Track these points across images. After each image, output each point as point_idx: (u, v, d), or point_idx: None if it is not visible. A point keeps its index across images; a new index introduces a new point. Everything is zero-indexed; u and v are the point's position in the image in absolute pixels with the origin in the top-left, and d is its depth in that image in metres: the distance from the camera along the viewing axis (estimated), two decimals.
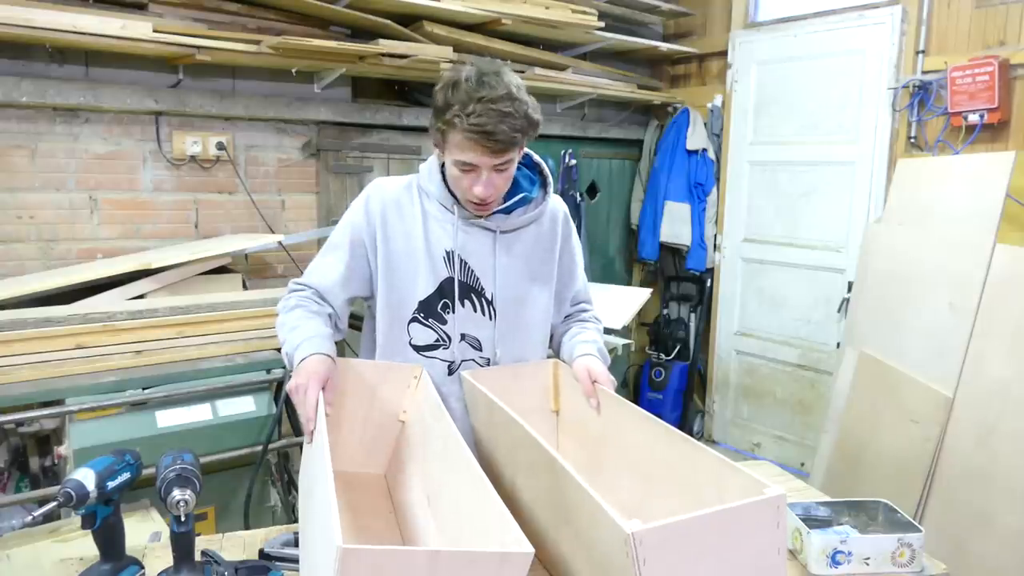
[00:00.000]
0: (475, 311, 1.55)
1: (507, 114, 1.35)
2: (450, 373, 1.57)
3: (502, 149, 1.38)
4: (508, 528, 0.92)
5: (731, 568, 0.98)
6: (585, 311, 1.74)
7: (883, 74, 3.53)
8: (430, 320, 1.54)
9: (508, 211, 1.56)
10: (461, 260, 1.53)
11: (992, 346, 2.41)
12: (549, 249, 1.62)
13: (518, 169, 1.58)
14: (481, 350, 1.57)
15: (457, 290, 1.53)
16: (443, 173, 1.54)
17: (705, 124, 4.32)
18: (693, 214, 4.28)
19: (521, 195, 1.56)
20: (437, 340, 1.55)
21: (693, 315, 4.45)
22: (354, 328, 1.81)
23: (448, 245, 1.53)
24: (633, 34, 4.14)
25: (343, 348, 2.87)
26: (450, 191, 1.53)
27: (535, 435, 1.17)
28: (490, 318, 1.56)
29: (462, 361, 1.57)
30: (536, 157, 1.63)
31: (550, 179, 1.63)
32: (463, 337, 1.56)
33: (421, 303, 1.53)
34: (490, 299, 1.55)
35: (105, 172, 2.87)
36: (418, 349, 1.56)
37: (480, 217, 1.54)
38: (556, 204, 1.66)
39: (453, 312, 1.54)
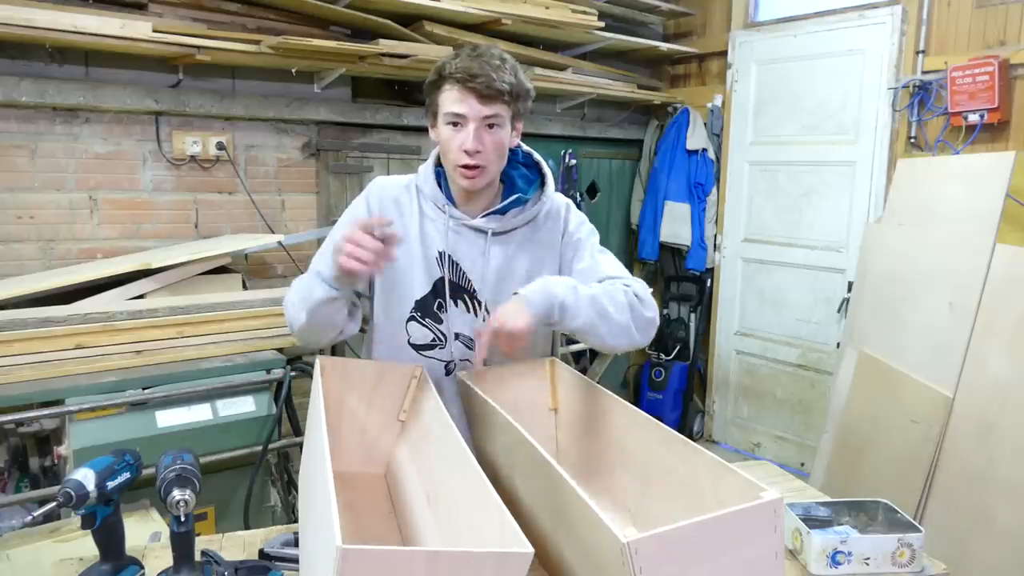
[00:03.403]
0: (467, 311, 1.55)
1: (496, 66, 1.40)
2: (447, 373, 1.57)
3: (490, 96, 1.39)
4: (508, 528, 0.92)
5: (729, 573, 0.98)
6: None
7: (883, 74, 3.53)
8: (427, 320, 1.54)
9: (502, 212, 1.54)
10: (452, 261, 1.53)
11: (992, 346, 2.41)
12: (549, 247, 1.59)
13: (515, 168, 1.57)
14: (473, 349, 1.57)
15: (448, 290, 1.53)
16: (436, 174, 1.54)
17: (705, 124, 4.32)
18: (693, 214, 4.28)
19: (516, 196, 1.55)
20: (434, 340, 1.56)
21: (693, 315, 4.45)
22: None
23: (440, 246, 1.53)
24: (633, 34, 4.14)
25: (343, 348, 2.88)
26: (443, 191, 1.53)
27: (531, 439, 1.17)
28: (483, 319, 1.56)
29: (459, 360, 1.57)
30: (536, 156, 1.61)
31: (549, 178, 1.60)
32: (457, 336, 1.56)
33: (417, 302, 1.54)
34: (482, 300, 1.55)
35: (105, 172, 2.87)
36: (416, 348, 1.56)
37: (472, 217, 1.53)
38: (557, 200, 1.62)
39: (446, 311, 1.54)
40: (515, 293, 1.41)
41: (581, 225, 1.63)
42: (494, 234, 1.54)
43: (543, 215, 1.58)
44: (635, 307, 1.46)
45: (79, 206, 2.83)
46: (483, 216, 1.54)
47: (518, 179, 1.57)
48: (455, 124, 1.42)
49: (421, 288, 1.53)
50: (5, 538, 1.88)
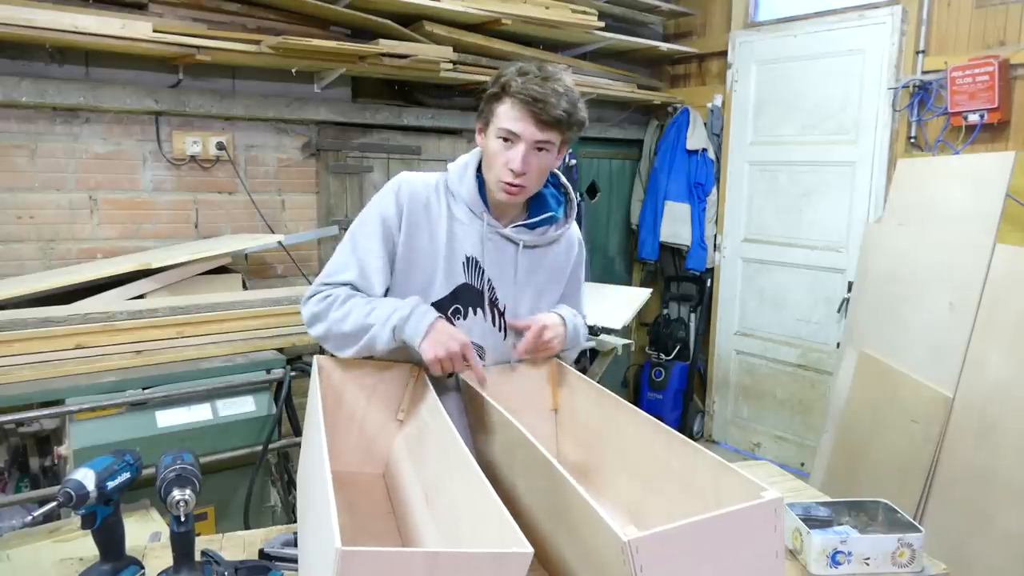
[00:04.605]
0: (485, 320, 1.55)
1: (559, 93, 1.42)
2: (448, 376, 1.56)
3: (547, 122, 1.41)
4: (507, 528, 0.92)
5: (729, 572, 0.98)
6: None
7: (883, 74, 3.53)
8: None
9: (532, 227, 1.56)
10: (480, 268, 1.53)
11: (992, 346, 2.41)
12: (561, 272, 1.64)
13: (546, 187, 1.59)
14: (484, 359, 1.56)
15: (471, 297, 1.53)
16: (478, 177, 1.53)
17: (705, 124, 4.32)
18: (693, 214, 4.28)
19: (549, 214, 1.57)
20: None
21: (693, 315, 4.45)
22: None
23: (470, 251, 1.52)
24: (633, 34, 4.14)
25: None
26: (482, 197, 1.52)
27: (531, 439, 1.17)
28: (500, 329, 1.56)
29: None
30: (563, 179, 1.64)
31: (575, 203, 1.64)
32: None
33: (434, 304, 1.51)
34: (502, 310, 1.55)
35: (105, 172, 2.87)
36: None
37: (505, 225, 1.53)
38: (574, 230, 1.68)
39: (464, 319, 1.53)
40: (557, 314, 1.59)
41: (582, 267, 1.72)
42: (524, 247, 1.56)
43: (564, 239, 1.63)
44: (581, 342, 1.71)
45: (79, 206, 2.83)
46: (513, 227, 1.55)
47: (550, 198, 1.60)
48: (507, 140, 1.43)
49: (440, 290, 1.52)
50: (5, 538, 1.88)
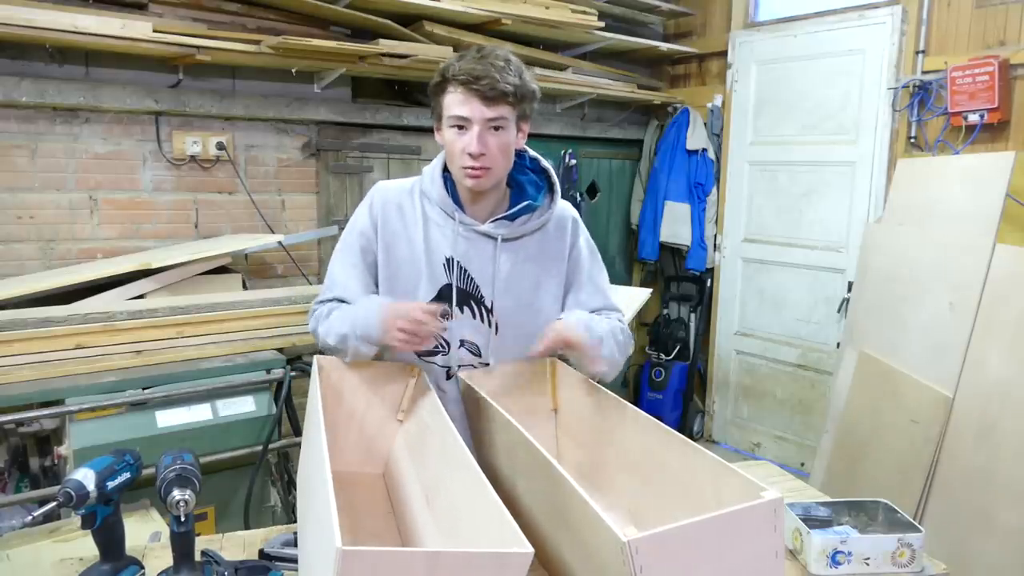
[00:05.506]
0: (474, 318, 1.54)
1: (500, 67, 1.39)
2: (448, 377, 1.56)
3: (494, 98, 1.38)
4: (507, 528, 0.92)
5: (729, 572, 0.98)
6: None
7: (883, 74, 3.53)
8: None
9: (512, 218, 1.53)
10: (461, 267, 1.52)
11: (992, 346, 2.41)
12: (556, 257, 1.59)
13: (524, 174, 1.57)
14: (480, 355, 1.56)
15: (456, 297, 1.52)
16: (444, 179, 1.53)
17: (705, 124, 4.32)
18: (693, 214, 4.28)
19: (526, 203, 1.54)
20: (436, 346, 1.54)
21: (693, 315, 4.45)
22: None
23: (448, 252, 1.51)
24: (633, 34, 4.14)
25: None
26: (452, 197, 1.52)
27: (531, 439, 1.17)
28: (489, 325, 1.55)
29: (460, 366, 1.56)
30: (544, 163, 1.60)
31: (557, 186, 1.60)
32: (462, 344, 1.55)
33: None
34: (489, 307, 1.54)
35: (105, 172, 2.87)
36: (418, 354, 1.55)
37: (480, 223, 1.52)
38: (565, 210, 1.62)
39: (452, 318, 1.53)
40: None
41: (587, 243, 1.65)
42: (504, 240, 1.53)
43: (552, 224, 1.58)
44: (625, 350, 1.58)
45: (79, 206, 2.83)
46: (491, 222, 1.52)
47: (527, 185, 1.56)
48: (459, 127, 1.41)
49: (426, 294, 1.52)
50: (5, 538, 1.88)
